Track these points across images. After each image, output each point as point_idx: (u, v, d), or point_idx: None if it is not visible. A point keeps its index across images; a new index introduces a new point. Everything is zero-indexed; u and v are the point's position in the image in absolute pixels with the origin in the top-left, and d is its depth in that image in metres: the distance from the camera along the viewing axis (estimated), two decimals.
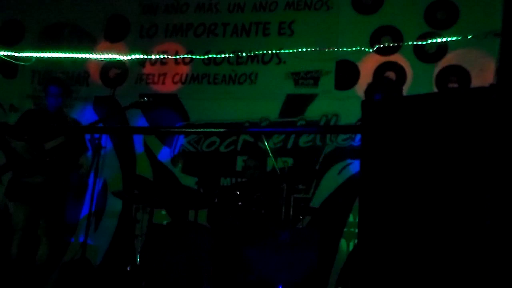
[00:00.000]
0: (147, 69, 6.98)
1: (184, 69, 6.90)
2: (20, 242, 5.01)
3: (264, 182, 5.58)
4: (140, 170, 6.81)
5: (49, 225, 5.12)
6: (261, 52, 6.62)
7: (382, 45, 6.32)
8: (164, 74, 6.94)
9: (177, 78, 6.91)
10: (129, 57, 6.70)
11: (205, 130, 6.18)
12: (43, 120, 5.23)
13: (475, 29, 5.95)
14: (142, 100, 5.21)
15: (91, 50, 6.91)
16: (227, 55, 6.71)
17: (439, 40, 6.12)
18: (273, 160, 5.45)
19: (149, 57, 6.80)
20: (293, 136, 6.44)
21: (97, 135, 4.93)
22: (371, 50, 6.34)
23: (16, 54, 6.83)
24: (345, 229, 6.11)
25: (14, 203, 5.20)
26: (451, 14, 6.23)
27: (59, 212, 5.15)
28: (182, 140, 6.75)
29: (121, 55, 6.70)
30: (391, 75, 6.19)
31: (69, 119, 5.44)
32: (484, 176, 2.04)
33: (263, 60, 6.71)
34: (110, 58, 6.64)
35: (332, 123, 6.37)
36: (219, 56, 6.74)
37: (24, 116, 5.41)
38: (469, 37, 5.95)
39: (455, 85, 6.06)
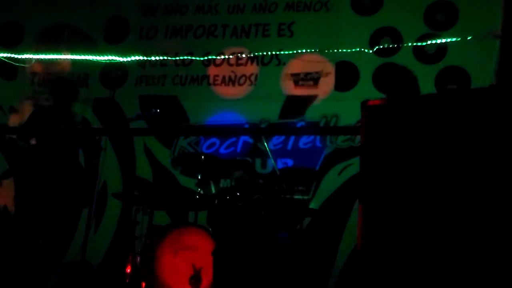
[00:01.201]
0: (147, 70, 7.00)
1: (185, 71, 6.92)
2: None
3: (263, 183, 5.55)
4: (140, 171, 6.81)
5: None
6: (260, 53, 6.62)
7: (381, 46, 6.32)
8: (164, 76, 6.96)
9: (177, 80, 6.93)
10: (129, 59, 6.69)
11: (205, 131, 6.17)
12: (51, 119, 5.25)
13: (474, 30, 5.95)
14: (147, 112, 5.23)
15: (90, 51, 6.90)
16: (226, 57, 6.72)
17: (438, 41, 6.13)
18: (273, 161, 5.45)
19: (149, 58, 6.80)
20: (293, 138, 6.45)
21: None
22: (370, 51, 6.34)
23: (15, 56, 6.82)
24: (345, 231, 6.10)
25: None
26: (451, 15, 6.24)
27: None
28: (182, 142, 6.74)
29: (121, 56, 6.69)
30: None
31: (76, 118, 5.48)
32: (484, 176, 2.03)
33: (262, 61, 6.71)
34: (110, 60, 6.63)
35: (332, 124, 6.37)
36: (218, 57, 6.74)
37: (33, 116, 5.43)
38: (468, 38, 5.96)
39: (455, 86, 6.07)
